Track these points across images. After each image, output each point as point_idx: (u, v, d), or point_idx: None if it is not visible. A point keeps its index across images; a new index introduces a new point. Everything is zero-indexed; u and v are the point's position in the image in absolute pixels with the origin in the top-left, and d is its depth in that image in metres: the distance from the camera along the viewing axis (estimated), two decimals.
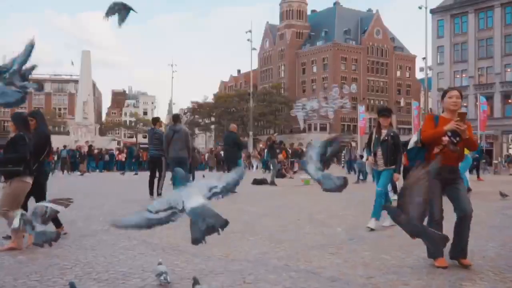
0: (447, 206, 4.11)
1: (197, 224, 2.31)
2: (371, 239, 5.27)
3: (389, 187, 9.42)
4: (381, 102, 72.28)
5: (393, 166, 6.16)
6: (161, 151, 9.65)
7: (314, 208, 8.19)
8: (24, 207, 5.14)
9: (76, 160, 25.83)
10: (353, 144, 34.06)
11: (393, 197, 9.84)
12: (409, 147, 4.20)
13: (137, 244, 5.00)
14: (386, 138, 6.16)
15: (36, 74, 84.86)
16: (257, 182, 14.28)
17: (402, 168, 6.58)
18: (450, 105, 4.05)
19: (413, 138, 4.13)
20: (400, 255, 4.47)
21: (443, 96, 4.15)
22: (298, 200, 9.62)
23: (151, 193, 9.66)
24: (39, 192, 5.32)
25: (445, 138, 3.90)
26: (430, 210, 3.92)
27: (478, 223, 4.07)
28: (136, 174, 24.76)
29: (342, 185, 2.79)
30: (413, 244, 4.90)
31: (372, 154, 6.29)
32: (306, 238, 5.40)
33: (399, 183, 9.81)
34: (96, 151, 30.91)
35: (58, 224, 5.53)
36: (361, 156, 17.09)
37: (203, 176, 18.74)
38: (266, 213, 7.57)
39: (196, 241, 2.32)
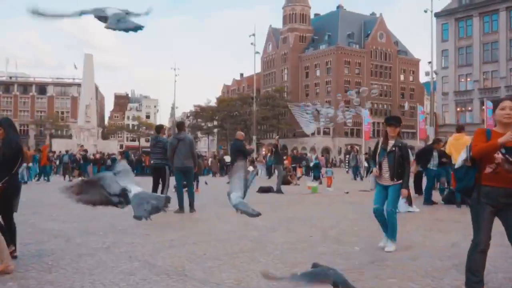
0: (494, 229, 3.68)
1: (142, 205, 2.47)
2: (393, 261, 4.85)
3: (404, 199, 9.04)
4: (385, 106, 71.94)
5: (401, 181, 5.65)
6: (165, 160, 9.28)
7: (326, 222, 7.77)
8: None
9: (73, 166, 25.41)
10: (357, 148, 33.62)
11: (407, 209, 9.47)
12: (456, 166, 3.70)
13: (139, 266, 4.59)
14: (393, 149, 5.67)
15: (38, 78, 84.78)
16: (263, 190, 13.86)
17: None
18: (503, 118, 3.48)
19: (461, 156, 3.63)
20: (430, 282, 4.05)
21: (494, 108, 3.62)
22: (307, 212, 9.21)
23: None
24: (4, 207, 4.77)
25: (499, 156, 3.38)
26: (476, 238, 3.46)
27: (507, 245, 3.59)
28: None
29: (255, 215, 2.88)
30: (440, 270, 4.50)
31: (377, 166, 5.79)
32: (322, 259, 4.97)
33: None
34: (98, 155, 30.54)
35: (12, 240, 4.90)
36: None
37: (206, 183, 18.30)
38: (275, 227, 7.16)
39: (139, 217, 2.44)
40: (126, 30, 2.50)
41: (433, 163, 11.30)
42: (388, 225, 5.61)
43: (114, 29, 2.50)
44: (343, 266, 4.63)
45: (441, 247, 5.60)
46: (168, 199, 2.55)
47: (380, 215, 5.66)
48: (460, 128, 10.83)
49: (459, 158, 3.64)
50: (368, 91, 33.65)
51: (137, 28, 2.47)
